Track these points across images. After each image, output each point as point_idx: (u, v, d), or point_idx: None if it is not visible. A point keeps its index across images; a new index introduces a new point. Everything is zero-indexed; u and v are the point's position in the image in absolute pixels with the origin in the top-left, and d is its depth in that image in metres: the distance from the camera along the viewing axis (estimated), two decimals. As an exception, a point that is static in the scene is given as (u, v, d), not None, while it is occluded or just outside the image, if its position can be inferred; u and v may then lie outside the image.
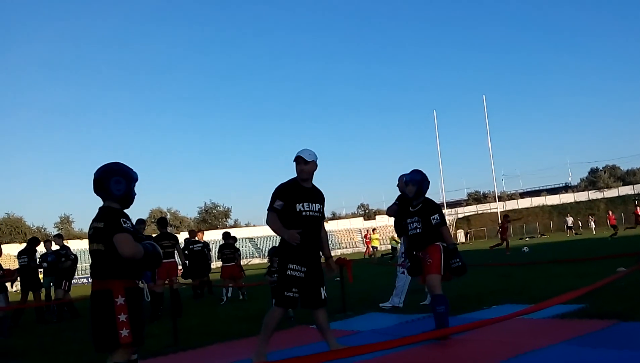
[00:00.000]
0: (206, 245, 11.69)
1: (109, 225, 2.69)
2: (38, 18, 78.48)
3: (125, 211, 2.86)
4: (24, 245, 10.00)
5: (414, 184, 4.41)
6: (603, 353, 3.31)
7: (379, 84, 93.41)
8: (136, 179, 2.87)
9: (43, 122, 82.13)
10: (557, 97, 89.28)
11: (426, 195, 4.52)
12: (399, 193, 6.43)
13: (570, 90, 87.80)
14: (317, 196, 3.92)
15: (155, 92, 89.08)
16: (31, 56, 78.56)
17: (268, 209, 3.84)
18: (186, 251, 10.95)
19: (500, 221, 21.47)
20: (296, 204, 3.74)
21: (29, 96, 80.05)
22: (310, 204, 3.79)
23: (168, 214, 58.14)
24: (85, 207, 77.03)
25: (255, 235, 50.54)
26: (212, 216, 59.17)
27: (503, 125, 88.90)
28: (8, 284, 8.50)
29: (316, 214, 3.84)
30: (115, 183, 2.77)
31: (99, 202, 2.89)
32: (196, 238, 11.55)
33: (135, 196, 2.91)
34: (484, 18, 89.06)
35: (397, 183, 6.54)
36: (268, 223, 3.85)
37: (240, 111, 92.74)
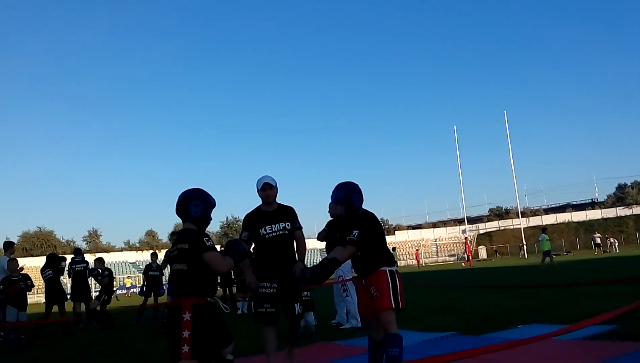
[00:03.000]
0: None
1: (194, 246, 2.95)
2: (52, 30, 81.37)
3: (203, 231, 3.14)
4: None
5: (340, 203, 3.59)
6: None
7: (399, 100, 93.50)
8: (213, 205, 3.18)
9: (72, 138, 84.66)
10: (581, 112, 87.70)
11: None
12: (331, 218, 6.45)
13: (596, 104, 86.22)
14: (282, 216, 4.15)
15: (180, 109, 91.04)
16: (67, 72, 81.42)
17: None
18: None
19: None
20: (259, 230, 4.07)
21: (58, 113, 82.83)
22: (273, 225, 4.07)
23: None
24: (113, 221, 78.82)
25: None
26: (233, 230, 59.62)
27: (525, 140, 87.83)
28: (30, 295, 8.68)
29: (281, 232, 4.09)
30: (194, 205, 3.07)
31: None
32: None
33: (211, 221, 3.23)
34: (504, 33, 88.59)
35: (329, 209, 6.68)
36: None
37: (260, 127, 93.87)
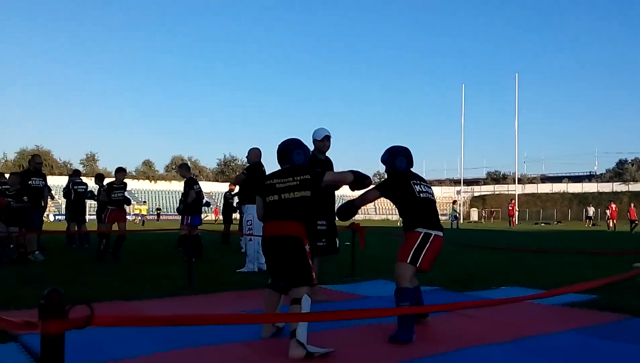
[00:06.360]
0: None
1: (314, 176, 3.39)
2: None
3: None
4: (52, 178, 10.31)
5: (385, 164, 3.88)
6: (610, 345, 3.31)
7: (408, 50, 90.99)
8: (310, 155, 3.59)
9: (76, 61, 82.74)
10: (591, 84, 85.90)
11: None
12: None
13: (606, 78, 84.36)
14: (329, 164, 4.93)
15: (183, 40, 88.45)
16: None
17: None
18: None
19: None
20: None
21: (63, 30, 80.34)
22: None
23: (189, 162, 59.13)
24: (110, 147, 78.93)
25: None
26: (230, 169, 59.83)
27: (531, 106, 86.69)
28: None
29: None
30: (296, 154, 3.42)
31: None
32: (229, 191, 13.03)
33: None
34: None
35: (247, 154, 7.20)
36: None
37: (263, 71, 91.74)
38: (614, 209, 26.03)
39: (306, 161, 3.46)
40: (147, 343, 3.17)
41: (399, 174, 3.78)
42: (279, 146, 3.49)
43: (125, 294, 5.04)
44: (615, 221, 25.49)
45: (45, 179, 9.00)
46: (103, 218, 8.84)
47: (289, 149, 3.42)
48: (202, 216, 9.45)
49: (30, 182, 8.51)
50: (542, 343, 3.36)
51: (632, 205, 25.42)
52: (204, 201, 10.12)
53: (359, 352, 3.15)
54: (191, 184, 8.58)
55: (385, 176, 3.94)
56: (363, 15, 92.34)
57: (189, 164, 10.34)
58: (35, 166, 8.92)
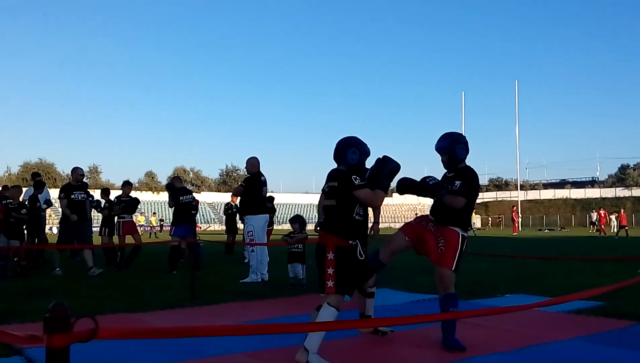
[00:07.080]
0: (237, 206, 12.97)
1: (342, 184, 3.15)
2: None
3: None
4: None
5: (443, 152, 3.49)
6: (616, 352, 3.28)
7: (408, 58, 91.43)
8: (369, 154, 3.33)
9: (79, 73, 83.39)
10: (592, 90, 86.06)
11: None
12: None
13: (607, 83, 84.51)
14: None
15: (185, 52, 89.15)
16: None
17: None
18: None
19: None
20: None
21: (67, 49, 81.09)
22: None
23: (191, 173, 59.36)
24: (113, 159, 79.27)
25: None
26: (231, 179, 59.96)
27: (532, 112, 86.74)
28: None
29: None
30: (351, 153, 3.24)
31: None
32: (231, 202, 12.93)
33: (364, 168, 3.36)
34: (524, 5, 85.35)
35: (245, 165, 7.19)
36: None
37: (263, 80, 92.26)
38: (602, 215, 26.03)
39: (362, 161, 3.26)
40: (151, 356, 3.17)
41: (471, 169, 3.46)
42: (336, 144, 3.32)
43: (128, 306, 5.03)
44: (603, 226, 25.59)
45: (87, 191, 8.58)
46: (116, 231, 9.02)
47: (343, 149, 3.25)
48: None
49: (73, 196, 8.13)
50: (548, 351, 3.34)
51: (622, 211, 25.39)
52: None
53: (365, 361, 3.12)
54: (178, 194, 8.37)
55: (444, 164, 3.51)
56: (363, 23, 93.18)
57: (179, 176, 10.58)
58: (77, 177, 8.40)
